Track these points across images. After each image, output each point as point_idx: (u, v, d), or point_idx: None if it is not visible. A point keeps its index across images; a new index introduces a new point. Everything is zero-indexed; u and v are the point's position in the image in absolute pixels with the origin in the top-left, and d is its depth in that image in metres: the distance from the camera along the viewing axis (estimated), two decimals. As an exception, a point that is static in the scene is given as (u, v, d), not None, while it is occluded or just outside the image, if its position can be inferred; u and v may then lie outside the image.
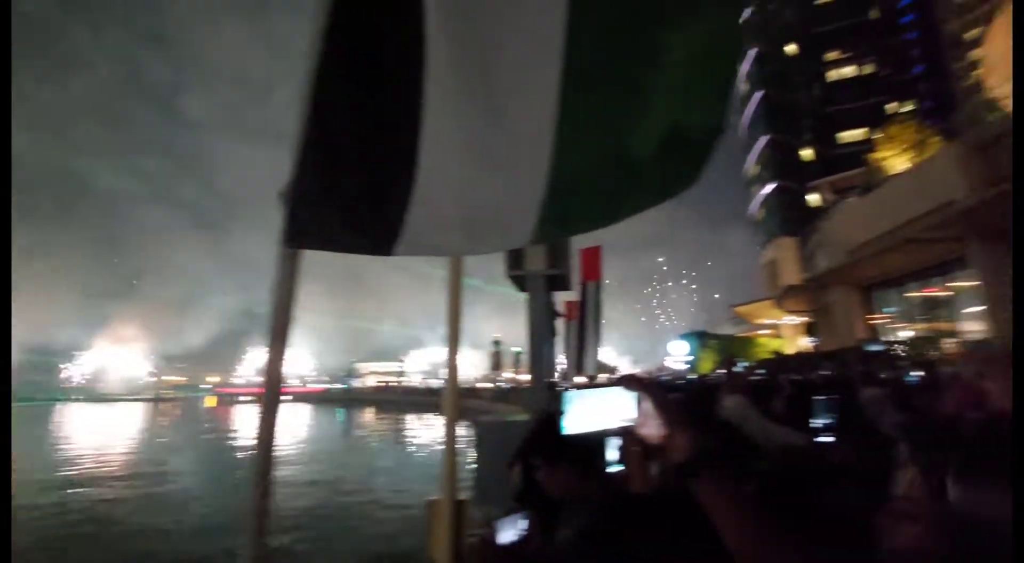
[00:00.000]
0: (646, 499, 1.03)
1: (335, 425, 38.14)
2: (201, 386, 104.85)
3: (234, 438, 27.41)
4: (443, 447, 1.64)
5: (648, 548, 0.93)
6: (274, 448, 0.98)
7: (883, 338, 18.33)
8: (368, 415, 48.39)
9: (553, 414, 1.82)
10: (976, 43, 38.58)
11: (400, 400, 65.09)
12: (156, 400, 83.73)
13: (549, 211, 0.97)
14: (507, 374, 55.74)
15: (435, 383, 76.02)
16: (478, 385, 60.83)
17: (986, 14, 39.12)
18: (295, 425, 36.00)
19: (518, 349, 45.60)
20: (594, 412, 0.80)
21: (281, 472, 15.46)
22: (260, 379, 0.97)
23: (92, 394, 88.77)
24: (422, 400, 58.65)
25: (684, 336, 49.32)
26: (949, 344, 15.36)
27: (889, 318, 20.74)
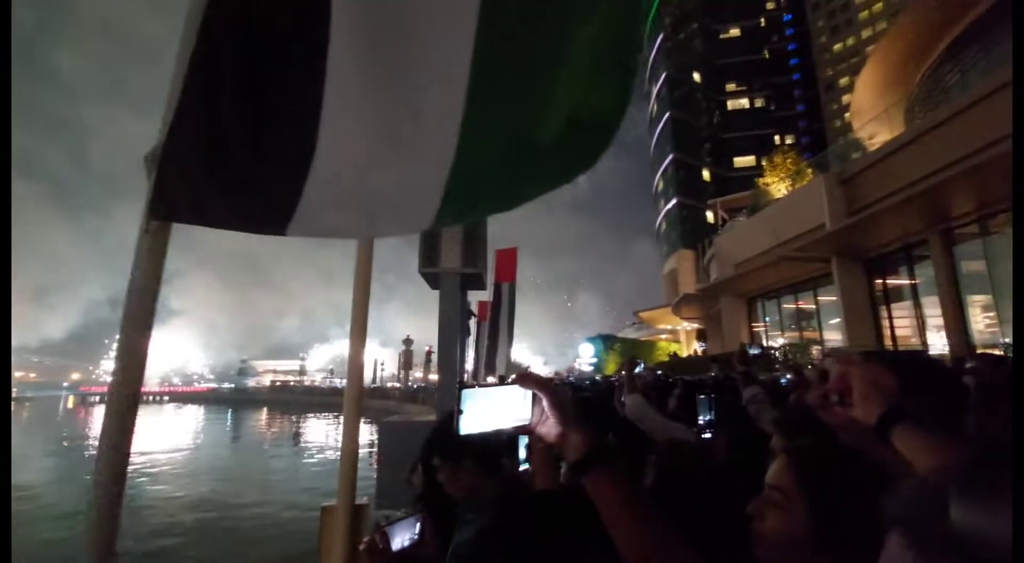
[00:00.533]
0: (549, 496, 1.03)
1: (221, 430, 34.98)
2: (64, 384, 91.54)
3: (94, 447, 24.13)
4: (341, 449, 1.55)
5: (550, 546, 0.92)
6: (128, 460, 0.84)
7: (762, 344, 20.43)
8: (261, 417, 45.07)
9: (454, 413, 1.78)
10: (847, 89, 44.48)
11: (299, 400, 61.55)
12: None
13: (450, 196, 0.94)
14: (418, 374, 54.70)
15: (339, 382, 72.61)
16: (388, 385, 59.16)
17: (855, 66, 45.25)
18: (175, 431, 32.62)
19: (428, 347, 44.95)
20: (491, 411, 0.77)
21: (156, 489, 13.93)
22: (112, 377, 0.82)
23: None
24: (324, 400, 55.93)
25: (591, 339, 51.49)
26: (814, 350, 17.46)
27: (767, 326, 23.14)
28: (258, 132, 0.89)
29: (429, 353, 40.45)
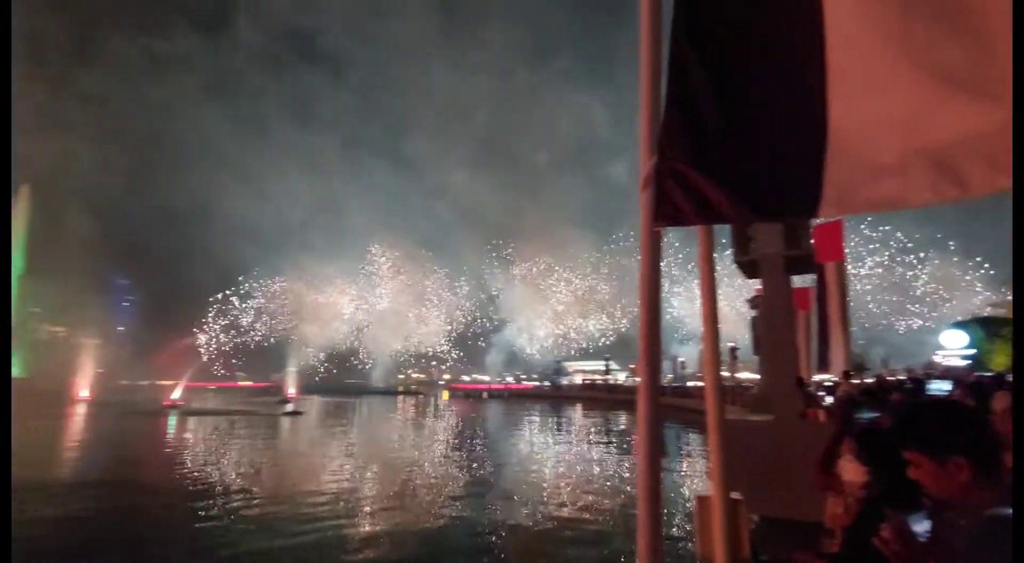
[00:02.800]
0: None
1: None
2: (440, 382, 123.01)
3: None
4: (710, 445, 1.58)
5: None
6: (659, 436, 1.02)
7: None
8: (577, 412, 49.79)
9: (937, 404, 1.54)
10: None
11: (606, 398, 65.60)
12: (408, 393, 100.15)
13: None
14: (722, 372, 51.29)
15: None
16: (689, 384, 57.70)
17: None
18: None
19: (732, 344, 41.72)
20: None
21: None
22: (637, 362, 1.03)
23: (365, 388, 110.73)
24: (629, 398, 58.37)
25: (961, 324, 38.87)
26: None
27: None
28: (757, 125, 0.95)
29: (734, 350, 37.44)
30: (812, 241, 7.83)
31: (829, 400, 9.94)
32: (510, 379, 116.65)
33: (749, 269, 7.47)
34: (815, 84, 0.88)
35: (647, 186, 1.00)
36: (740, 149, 0.96)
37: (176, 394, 46.89)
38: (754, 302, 21.30)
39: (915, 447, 1.20)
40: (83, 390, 56.43)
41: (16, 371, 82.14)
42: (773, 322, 6.94)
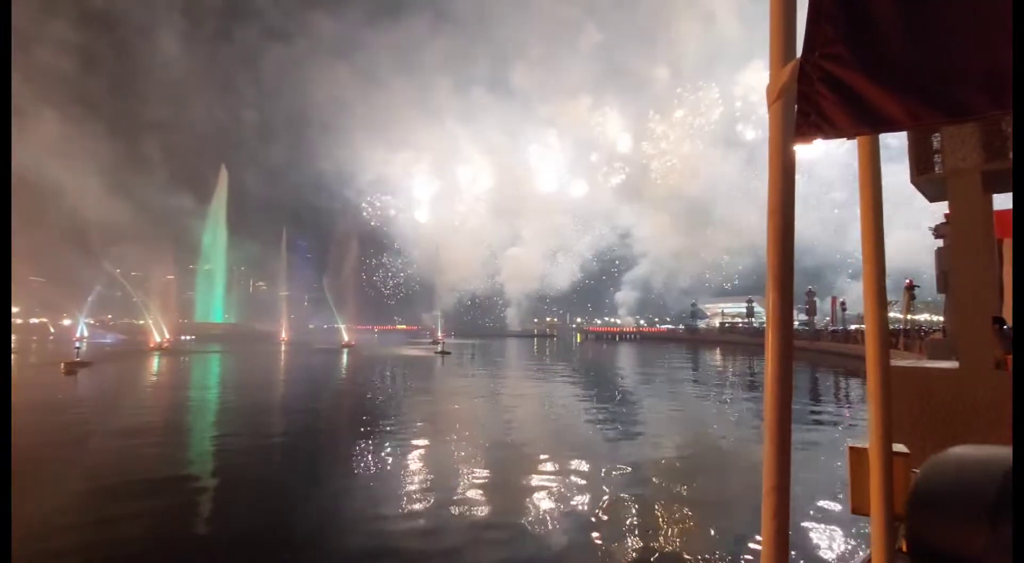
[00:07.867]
0: None
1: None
2: (572, 326, 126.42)
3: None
4: (868, 393, 1.47)
5: None
6: (790, 378, 0.98)
7: None
8: (717, 357, 47.48)
9: None
10: None
11: (747, 342, 61.28)
12: (543, 336, 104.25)
13: None
14: (895, 313, 44.87)
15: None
16: (852, 327, 51.36)
17: None
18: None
19: (908, 280, 35.63)
20: None
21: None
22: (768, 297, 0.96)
23: (502, 331, 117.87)
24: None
25: None
26: None
27: None
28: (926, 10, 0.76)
29: (910, 286, 31.95)
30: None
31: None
32: (643, 322, 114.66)
33: (932, 191, 6.26)
34: None
35: (783, 94, 0.90)
36: (917, 29, 0.76)
37: (346, 337, 56.55)
38: (939, 230, 17.81)
39: None
40: (283, 332, 69.86)
41: (232, 318, 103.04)
42: (965, 252, 5.81)
